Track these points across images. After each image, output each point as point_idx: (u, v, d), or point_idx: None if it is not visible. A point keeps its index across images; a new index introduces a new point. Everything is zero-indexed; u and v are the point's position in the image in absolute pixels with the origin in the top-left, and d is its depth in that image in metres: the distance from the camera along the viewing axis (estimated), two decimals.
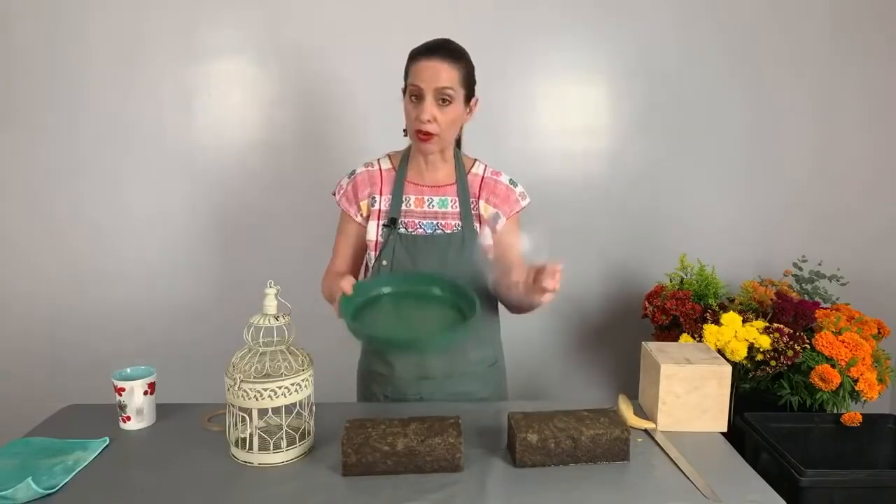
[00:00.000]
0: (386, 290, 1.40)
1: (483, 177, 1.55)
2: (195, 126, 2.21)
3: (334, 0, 2.15)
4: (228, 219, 2.26)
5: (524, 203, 1.57)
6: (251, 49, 2.18)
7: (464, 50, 1.45)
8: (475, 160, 1.58)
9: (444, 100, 1.40)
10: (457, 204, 1.52)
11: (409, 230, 1.50)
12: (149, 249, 2.26)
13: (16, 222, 2.23)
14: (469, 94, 1.46)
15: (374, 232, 1.52)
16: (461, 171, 1.54)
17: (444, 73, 1.38)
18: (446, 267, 1.48)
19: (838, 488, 1.43)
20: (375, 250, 1.52)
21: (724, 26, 2.24)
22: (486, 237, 1.52)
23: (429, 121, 1.39)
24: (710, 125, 2.29)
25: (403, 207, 1.51)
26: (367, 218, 1.54)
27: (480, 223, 1.53)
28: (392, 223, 1.49)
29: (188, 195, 2.24)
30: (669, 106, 2.28)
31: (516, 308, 1.52)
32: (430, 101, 1.39)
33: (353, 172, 1.56)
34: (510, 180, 1.56)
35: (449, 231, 1.51)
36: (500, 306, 1.60)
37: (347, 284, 1.29)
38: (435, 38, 1.45)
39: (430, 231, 1.51)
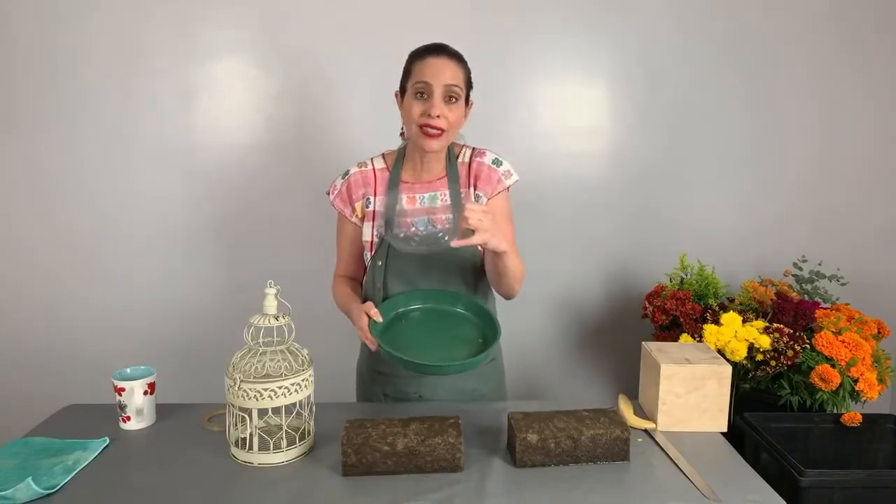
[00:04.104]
0: (413, 306, 1.47)
1: (469, 162, 1.53)
2: (195, 126, 2.21)
3: (334, 0, 2.15)
4: (228, 219, 2.26)
5: (509, 182, 1.53)
6: (251, 49, 2.18)
7: (460, 53, 1.46)
8: (462, 146, 1.56)
9: (451, 97, 1.40)
10: (446, 197, 1.51)
11: (403, 230, 1.51)
12: (149, 249, 2.26)
13: (16, 222, 2.23)
14: (468, 96, 1.47)
15: (369, 233, 1.53)
16: (451, 162, 1.53)
17: (452, 71, 1.40)
18: (436, 262, 1.48)
19: (838, 488, 1.43)
20: (371, 251, 1.52)
21: (725, 27, 2.24)
22: None
23: (438, 116, 1.39)
24: (710, 125, 2.29)
25: (397, 207, 1.51)
26: (363, 219, 1.54)
27: None
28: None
29: (188, 195, 2.24)
30: (669, 106, 2.28)
31: (499, 282, 1.48)
32: (439, 97, 1.39)
33: (346, 173, 1.56)
34: (494, 159, 1.53)
35: (440, 226, 1.51)
36: (498, 305, 1.60)
37: (376, 313, 1.38)
38: (432, 41, 1.45)
39: (422, 228, 1.51)
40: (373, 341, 1.35)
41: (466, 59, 1.46)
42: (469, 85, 1.46)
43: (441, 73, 1.38)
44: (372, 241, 1.53)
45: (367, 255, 1.54)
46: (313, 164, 2.21)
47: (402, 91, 1.46)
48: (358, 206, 1.53)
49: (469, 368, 1.35)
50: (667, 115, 2.28)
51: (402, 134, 1.54)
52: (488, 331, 1.43)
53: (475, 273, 1.54)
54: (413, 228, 1.51)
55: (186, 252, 2.27)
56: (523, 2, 2.18)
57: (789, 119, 2.30)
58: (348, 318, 1.50)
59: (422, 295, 1.48)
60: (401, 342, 1.36)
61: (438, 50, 1.42)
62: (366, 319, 1.38)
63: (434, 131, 1.40)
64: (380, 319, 1.38)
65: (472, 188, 1.52)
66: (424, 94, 1.40)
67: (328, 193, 1.58)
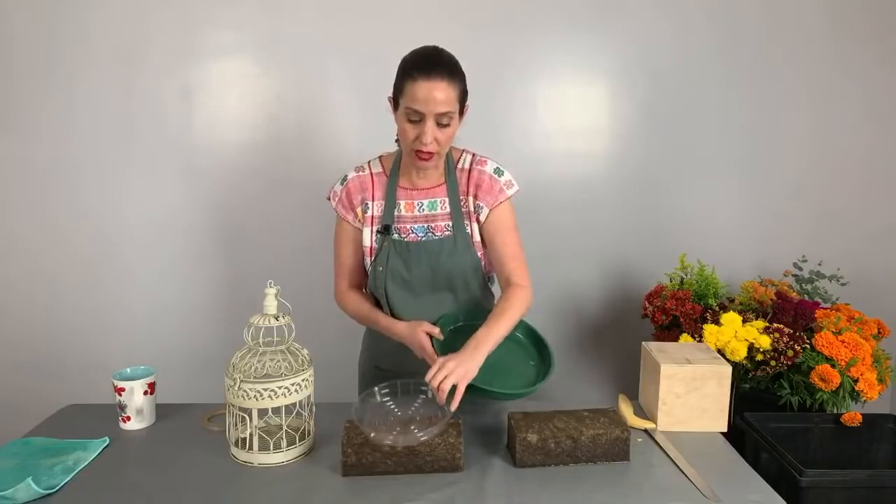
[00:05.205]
0: (472, 322, 1.45)
1: (469, 170, 1.52)
2: (195, 126, 2.21)
3: (335, 1, 2.15)
4: (229, 218, 2.26)
5: (510, 192, 1.51)
6: (251, 49, 2.18)
7: (455, 60, 1.40)
8: (462, 151, 1.54)
9: (443, 120, 1.36)
10: (446, 204, 1.51)
11: (402, 236, 1.50)
12: (148, 249, 2.26)
13: (16, 222, 2.23)
14: (463, 105, 1.42)
15: (368, 238, 1.52)
16: (450, 169, 1.52)
17: (444, 94, 1.33)
18: (438, 271, 1.49)
19: (838, 488, 1.43)
20: (371, 256, 1.52)
21: (723, 27, 2.23)
22: (477, 233, 1.52)
23: (430, 143, 1.37)
24: (709, 125, 2.29)
25: (395, 213, 1.51)
26: (362, 223, 1.53)
27: (470, 220, 1.52)
28: (385, 230, 1.50)
29: (188, 195, 2.24)
30: (669, 106, 2.27)
31: None
32: (431, 125, 1.35)
33: (345, 178, 1.55)
34: (495, 169, 1.51)
35: (439, 234, 1.50)
36: None
37: (438, 332, 1.40)
38: (423, 46, 1.41)
39: (421, 235, 1.50)
40: (435, 358, 1.32)
41: (465, 60, 1.42)
42: (464, 97, 1.41)
43: (432, 100, 1.32)
44: (371, 247, 1.53)
45: (368, 262, 1.54)
46: (314, 164, 2.20)
47: (395, 100, 1.41)
48: (359, 210, 1.53)
49: (530, 394, 1.35)
50: (666, 116, 2.28)
51: (397, 140, 1.52)
52: (540, 356, 1.45)
53: (477, 279, 1.54)
54: (412, 234, 1.50)
55: (186, 252, 2.27)
56: (523, 3, 2.18)
57: (788, 119, 2.30)
58: (374, 328, 1.54)
59: (475, 313, 1.48)
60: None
61: (429, 68, 1.34)
62: (426, 337, 1.38)
63: (426, 155, 1.39)
64: (441, 337, 1.39)
65: (471, 197, 1.51)
66: (416, 117, 1.36)
67: (329, 199, 1.57)
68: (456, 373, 1.23)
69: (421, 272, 1.49)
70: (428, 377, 1.24)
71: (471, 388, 1.26)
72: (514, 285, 1.47)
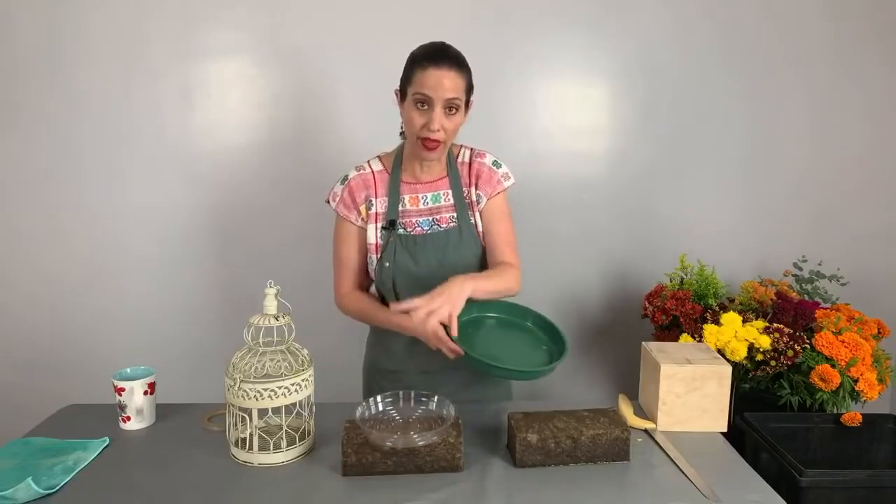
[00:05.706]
0: (472, 315, 1.45)
1: (469, 162, 1.56)
2: (195, 126, 2.21)
3: (335, 1, 2.15)
4: (228, 218, 2.26)
5: (507, 183, 1.56)
6: (251, 49, 2.18)
7: (462, 55, 1.44)
8: (461, 146, 1.58)
9: (451, 108, 1.40)
10: (450, 196, 1.53)
11: (408, 230, 1.51)
12: (149, 249, 2.26)
13: (16, 222, 2.23)
14: (469, 98, 1.47)
15: (373, 235, 1.53)
16: (451, 163, 1.55)
17: (452, 83, 1.38)
18: (445, 263, 1.49)
19: (838, 488, 1.43)
20: (376, 253, 1.53)
21: (723, 27, 2.24)
22: (480, 223, 1.54)
23: (438, 129, 1.40)
24: (709, 125, 2.29)
25: (400, 208, 1.52)
26: (366, 221, 1.54)
27: (473, 210, 1.54)
28: (391, 225, 1.50)
29: (188, 195, 2.24)
30: (669, 106, 2.28)
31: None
32: (439, 111, 1.39)
33: (345, 178, 1.55)
34: (493, 161, 1.57)
35: (445, 226, 1.52)
36: None
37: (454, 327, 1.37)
38: (431, 41, 1.45)
39: (427, 228, 1.52)
40: (453, 348, 1.32)
41: (467, 59, 1.45)
42: (470, 90, 1.46)
43: (441, 86, 1.37)
44: (377, 244, 1.53)
45: (373, 259, 1.54)
46: (314, 164, 2.21)
47: (403, 92, 1.45)
48: (362, 209, 1.54)
49: (547, 373, 1.35)
50: (666, 115, 2.28)
51: (401, 133, 1.54)
52: (553, 343, 1.44)
53: (479, 270, 1.54)
54: (418, 228, 1.51)
55: (187, 251, 2.27)
56: (523, 3, 2.18)
57: (788, 119, 2.30)
58: (383, 326, 1.53)
59: (487, 306, 1.47)
60: (471, 347, 1.35)
61: (439, 57, 1.39)
62: (439, 326, 1.35)
63: (433, 144, 1.41)
64: (456, 333, 1.36)
65: (473, 187, 1.54)
66: (424, 104, 1.39)
67: (328, 201, 1.57)
68: (441, 311, 1.27)
69: (428, 265, 1.49)
70: (413, 305, 1.27)
71: (491, 367, 1.28)
72: (507, 264, 1.49)
